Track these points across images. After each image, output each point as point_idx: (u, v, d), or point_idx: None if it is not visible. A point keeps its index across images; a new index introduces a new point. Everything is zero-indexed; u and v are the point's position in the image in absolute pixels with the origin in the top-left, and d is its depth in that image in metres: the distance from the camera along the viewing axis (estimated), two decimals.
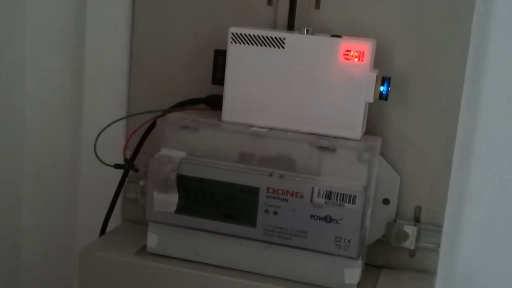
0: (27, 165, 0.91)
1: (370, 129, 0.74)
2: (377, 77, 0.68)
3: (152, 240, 0.74)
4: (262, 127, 0.71)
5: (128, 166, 0.78)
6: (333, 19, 0.75)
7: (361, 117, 0.69)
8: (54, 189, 0.91)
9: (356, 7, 0.75)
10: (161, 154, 0.71)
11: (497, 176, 0.77)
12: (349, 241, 0.67)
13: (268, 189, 0.68)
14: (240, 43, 0.70)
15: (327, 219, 0.67)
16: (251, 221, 0.69)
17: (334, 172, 0.68)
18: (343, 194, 0.66)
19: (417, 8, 0.73)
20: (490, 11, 0.72)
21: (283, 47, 0.69)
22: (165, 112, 0.75)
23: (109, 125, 0.76)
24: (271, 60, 0.70)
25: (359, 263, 0.69)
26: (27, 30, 0.87)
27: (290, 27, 0.77)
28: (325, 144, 0.69)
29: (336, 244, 0.67)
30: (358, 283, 0.70)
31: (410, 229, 0.76)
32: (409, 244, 0.76)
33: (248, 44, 0.70)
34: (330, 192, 0.67)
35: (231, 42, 0.70)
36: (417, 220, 0.77)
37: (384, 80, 0.70)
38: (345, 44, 0.68)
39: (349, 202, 0.67)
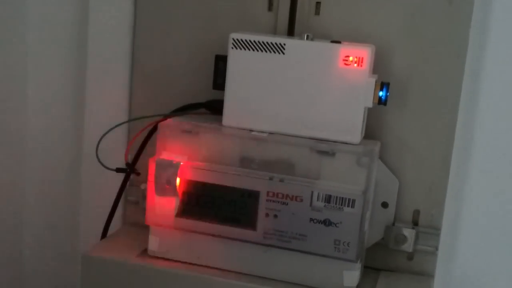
0: (29, 169, 0.91)
1: (369, 133, 0.75)
2: (376, 82, 0.69)
3: (154, 243, 0.74)
4: (262, 132, 0.71)
5: (129, 170, 0.78)
6: (332, 25, 0.76)
7: (360, 121, 0.70)
8: (56, 193, 0.91)
9: (355, 13, 0.75)
10: (162, 158, 0.71)
11: (494, 180, 0.77)
12: (348, 244, 0.68)
13: (268, 192, 0.69)
14: (240, 49, 0.70)
15: (327, 222, 0.68)
16: (251, 225, 0.70)
17: (334, 176, 0.68)
18: (342, 198, 0.67)
19: (416, 14, 0.73)
20: (488, 17, 0.73)
21: (283, 53, 0.70)
22: (166, 117, 0.75)
23: (111, 129, 0.76)
24: (272, 66, 0.70)
25: (358, 265, 0.70)
26: (29, 35, 0.87)
27: (290, 32, 0.77)
28: (324, 149, 0.69)
29: (335, 247, 0.68)
30: (357, 286, 0.70)
31: (408, 232, 0.76)
32: (408, 247, 0.76)
33: (249, 49, 0.70)
34: (330, 196, 0.67)
35: (232, 48, 0.71)
36: (415, 223, 0.77)
37: (383, 85, 0.70)
38: (345, 50, 0.68)
39: (348, 206, 0.67)
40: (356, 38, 0.74)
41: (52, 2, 0.87)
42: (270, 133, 0.71)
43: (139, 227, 0.82)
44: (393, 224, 0.77)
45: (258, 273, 0.72)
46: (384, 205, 0.76)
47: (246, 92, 0.71)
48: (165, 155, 0.72)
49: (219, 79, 0.74)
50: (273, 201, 0.69)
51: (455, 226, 0.79)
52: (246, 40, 0.70)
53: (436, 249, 0.77)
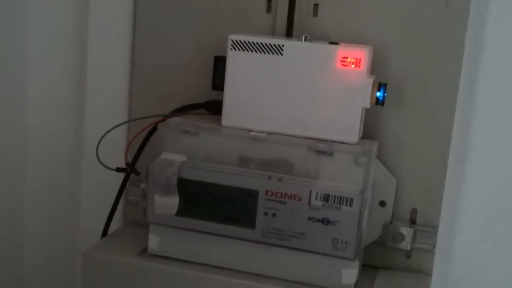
0: (30, 169, 0.91)
1: (367, 133, 0.75)
2: (373, 83, 0.69)
3: (154, 241, 0.75)
4: (261, 132, 0.72)
5: (129, 169, 0.79)
6: (330, 26, 0.76)
7: (358, 122, 0.70)
8: (57, 192, 0.92)
9: (353, 15, 0.75)
10: (162, 158, 0.72)
11: (491, 179, 0.78)
12: (346, 242, 0.68)
13: (267, 192, 0.69)
14: (239, 50, 0.71)
15: (325, 221, 0.68)
16: (250, 223, 0.70)
17: (332, 176, 0.69)
18: (340, 197, 0.67)
19: (413, 15, 0.74)
20: (484, 17, 0.73)
21: (281, 54, 0.70)
22: (165, 117, 0.75)
23: (111, 129, 0.76)
24: (270, 67, 0.70)
25: (356, 264, 0.70)
26: (30, 35, 0.87)
27: (289, 34, 0.77)
28: (322, 148, 0.70)
29: (333, 246, 0.68)
30: (355, 284, 0.71)
31: (406, 231, 0.77)
32: (405, 245, 0.77)
33: (248, 51, 0.71)
34: (328, 195, 0.68)
35: (231, 49, 0.71)
36: (413, 222, 0.78)
37: (380, 85, 0.70)
38: (342, 51, 0.69)
39: (346, 205, 0.67)
40: (354, 39, 0.74)
41: (53, 1, 0.87)
42: (269, 133, 0.72)
43: (139, 226, 0.82)
44: (391, 222, 0.77)
45: (257, 271, 0.72)
46: (382, 204, 0.77)
47: (245, 93, 0.72)
48: (165, 155, 0.72)
49: (218, 80, 0.75)
50: (272, 200, 0.69)
51: (452, 224, 0.79)
52: (244, 42, 0.71)
53: (434, 247, 0.77)
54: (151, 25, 0.83)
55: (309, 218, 0.68)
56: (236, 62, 0.71)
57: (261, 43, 0.70)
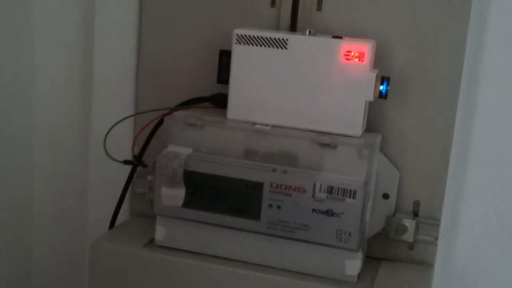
0: (38, 162, 0.91)
1: (370, 126, 0.76)
2: (376, 76, 0.70)
3: (160, 233, 0.75)
4: (266, 125, 0.72)
5: (136, 162, 0.80)
6: (334, 20, 0.77)
7: (361, 115, 0.71)
8: (65, 185, 0.92)
9: (356, 9, 0.76)
10: (168, 151, 0.73)
11: (493, 171, 0.78)
12: (349, 234, 0.69)
13: (271, 184, 0.70)
14: (244, 44, 0.71)
15: (329, 213, 0.69)
16: (255, 215, 0.71)
17: (335, 168, 0.70)
18: (344, 189, 0.68)
19: (415, 10, 0.74)
20: (486, 13, 0.74)
21: (286, 48, 0.71)
22: (172, 110, 0.76)
23: (118, 122, 0.77)
24: (274, 60, 0.71)
25: (360, 255, 0.71)
26: (36, 32, 0.87)
27: (293, 28, 0.78)
28: (326, 141, 0.70)
29: (337, 237, 0.69)
30: (359, 275, 0.72)
31: (409, 223, 0.77)
32: (408, 237, 0.78)
33: (252, 45, 0.71)
34: (332, 187, 0.69)
35: (236, 43, 0.72)
36: (415, 214, 0.78)
37: (384, 79, 0.71)
38: (346, 45, 0.69)
39: (349, 197, 0.68)
40: (357, 34, 0.75)
41: None
42: (274, 126, 0.72)
43: (146, 218, 0.83)
44: (394, 214, 0.78)
45: (262, 262, 0.73)
46: (385, 196, 0.78)
47: (249, 87, 0.73)
48: (171, 148, 0.73)
49: (223, 74, 0.76)
50: (276, 192, 0.70)
51: (454, 216, 0.80)
52: (249, 36, 0.71)
53: (436, 239, 0.78)
54: (156, 20, 0.83)
55: (313, 210, 0.69)
56: (241, 56, 0.72)
57: (266, 37, 0.71)
